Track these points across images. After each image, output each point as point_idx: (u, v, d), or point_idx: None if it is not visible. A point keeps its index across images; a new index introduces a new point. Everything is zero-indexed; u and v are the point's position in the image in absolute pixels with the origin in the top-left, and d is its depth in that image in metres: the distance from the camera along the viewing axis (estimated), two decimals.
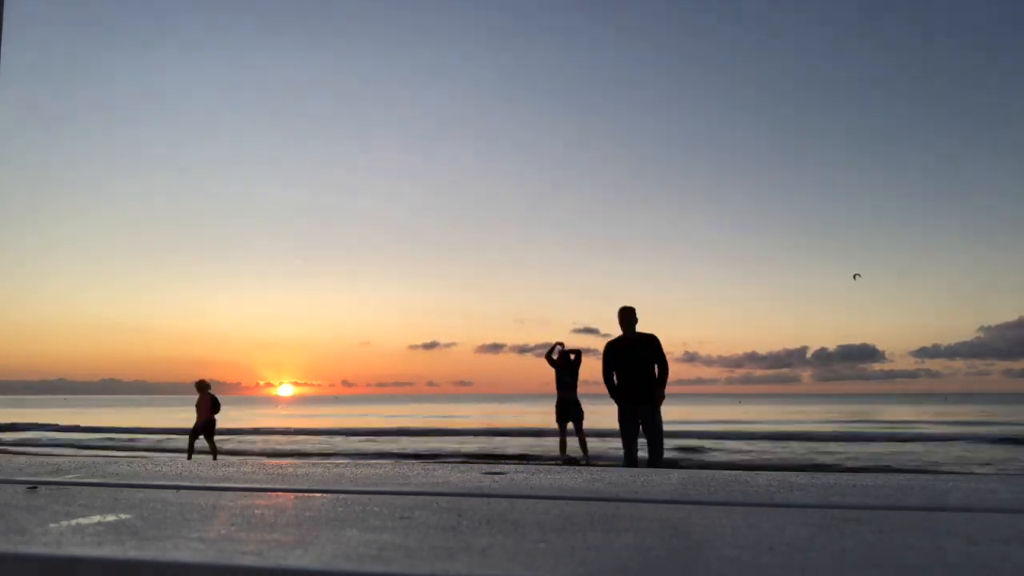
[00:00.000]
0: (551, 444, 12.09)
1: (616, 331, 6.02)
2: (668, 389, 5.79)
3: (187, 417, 12.49)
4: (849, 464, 10.72)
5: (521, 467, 1.59)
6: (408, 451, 13.95)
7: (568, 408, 9.13)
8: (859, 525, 0.89)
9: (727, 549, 0.75)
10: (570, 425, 9.16)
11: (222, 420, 11.28)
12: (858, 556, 0.72)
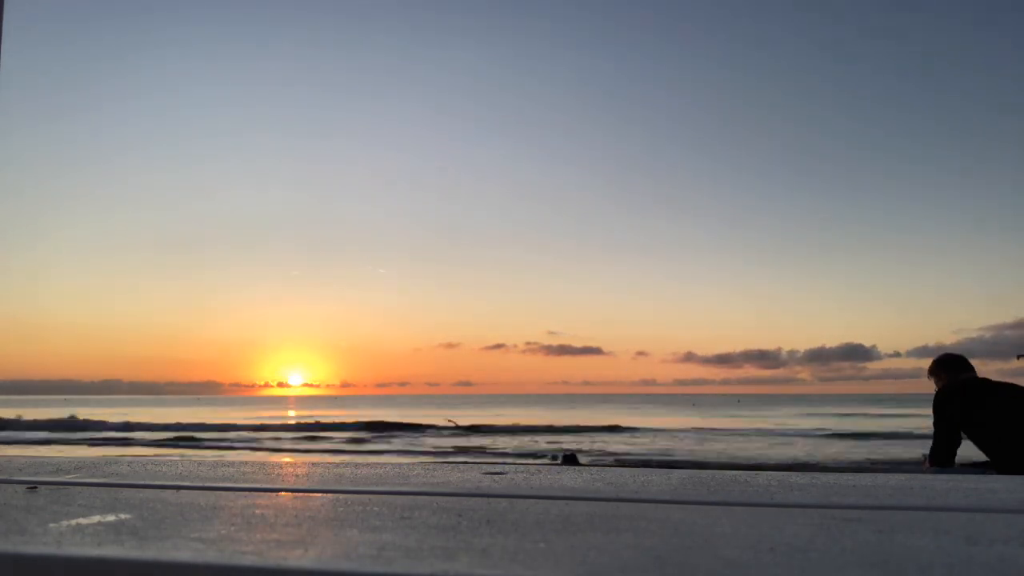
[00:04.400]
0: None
1: None
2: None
3: None
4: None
5: (521, 467, 1.59)
6: None
7: None
8: (859, 525, 0.89)
9: (727, 549, 0.75)
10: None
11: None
12: (858, 556, 0.72)
